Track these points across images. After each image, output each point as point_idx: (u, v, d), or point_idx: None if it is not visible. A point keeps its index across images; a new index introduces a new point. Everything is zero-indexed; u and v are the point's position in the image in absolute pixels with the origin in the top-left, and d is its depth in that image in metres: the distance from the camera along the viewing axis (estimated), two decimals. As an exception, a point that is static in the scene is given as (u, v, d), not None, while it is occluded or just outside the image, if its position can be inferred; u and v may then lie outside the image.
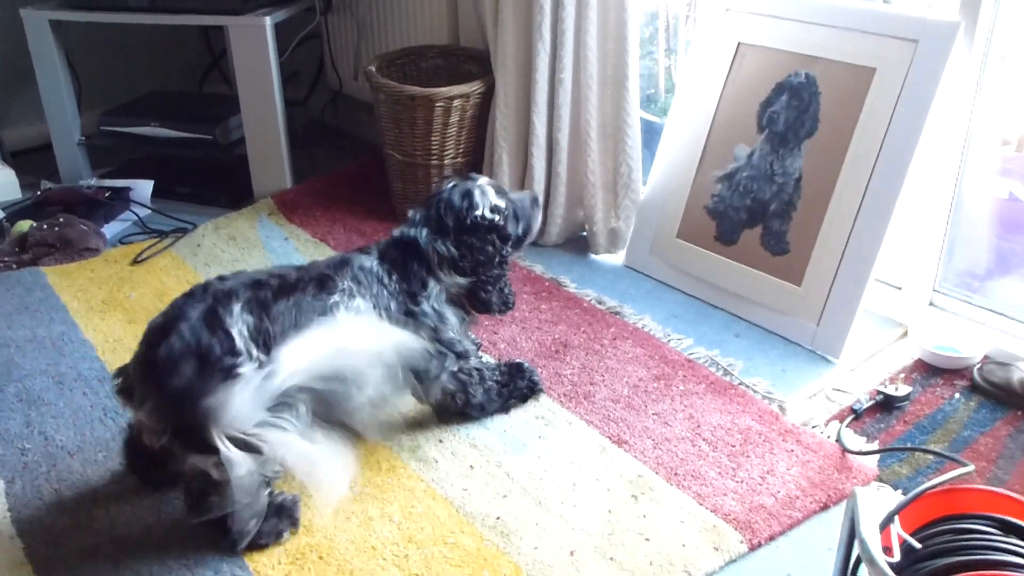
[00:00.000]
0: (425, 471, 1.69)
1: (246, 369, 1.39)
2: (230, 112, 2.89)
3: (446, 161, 2.55)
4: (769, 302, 2.16)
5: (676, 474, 1.68)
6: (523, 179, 2.51)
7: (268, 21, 2.65)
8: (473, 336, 1.91)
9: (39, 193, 2.84)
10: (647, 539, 1.53)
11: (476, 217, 1.74)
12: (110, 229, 2.71)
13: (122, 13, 2.78)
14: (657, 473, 1.68)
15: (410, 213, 1.78)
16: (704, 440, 1.77)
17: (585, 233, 2.56)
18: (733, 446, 1.75)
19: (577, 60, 2.33)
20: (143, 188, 2.87)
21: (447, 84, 2.49)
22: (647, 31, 2.73)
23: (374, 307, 1.62)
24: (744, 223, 2.23)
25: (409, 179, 2.61)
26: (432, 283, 1.71)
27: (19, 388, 1.93)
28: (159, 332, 1.42)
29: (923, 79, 1.95)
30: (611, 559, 1.49)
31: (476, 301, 1.78)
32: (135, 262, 2.49)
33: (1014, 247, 2.25)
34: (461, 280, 1.74)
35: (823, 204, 2.09)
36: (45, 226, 2.54)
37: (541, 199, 2.49)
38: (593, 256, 2.53)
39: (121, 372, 1.50)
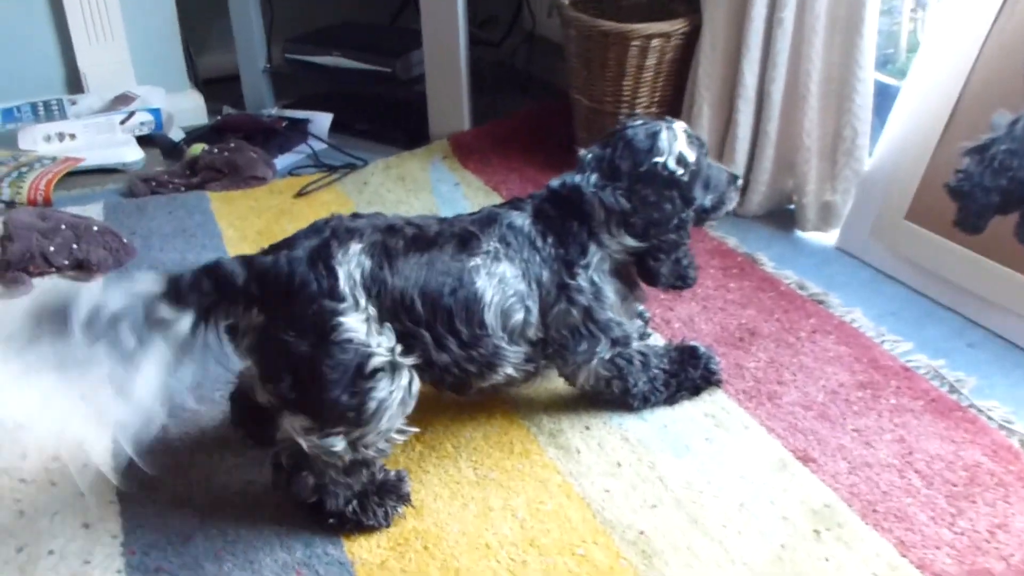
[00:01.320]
0: (563, 461, 1.42)
1: (349, 319, 1.19)
2: (413, 46, 2.70)
3: (638, 110, 2.25)
4: (1018, 308, 1.74)
5: (875, 510, 1.33)
6: (724, 136, 2.17)
7: (458, -49, 2.43)
8: (642, 309, 1.62)
9: (219, 119, 2.78)
10: (828, 589, 1.21)
11: (656, 164, 1.40)
12: (283, 160, 2.60)
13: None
14: (850, 505, 1.34)
15: (580, 153, 1.47)
16: (916, 472, 1.40)
17: (792, 206, 2.19)
18: (955, 485, 1.38)
19: (803, -2, 1.96)
20: (322, 121, 2.75)
21: (647, 22, 2.18)
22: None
23: (523, 275, 1.35)
24: (995, 207, 1.80)
25: (595, 128, 2.33)
26: (593, 248, 1.41)
27: (154, 313, 1.83)
28: (258, 258, 1.25)
29: None
30: (778, 608, 1.18)
31: (644, 270, 1.46)
32: (298, 195, 2.36)
33: None
34: (630, 242, 1.42)
35: (1107, 190, 1.64)
36: (215, 150, 2.46)
37: (744, 161, 2.15)
38: (799, 233, 2.16)
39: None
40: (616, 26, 2.14)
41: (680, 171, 1.42)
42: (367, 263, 1.23)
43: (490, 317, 1.31)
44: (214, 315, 1.20)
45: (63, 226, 2.06)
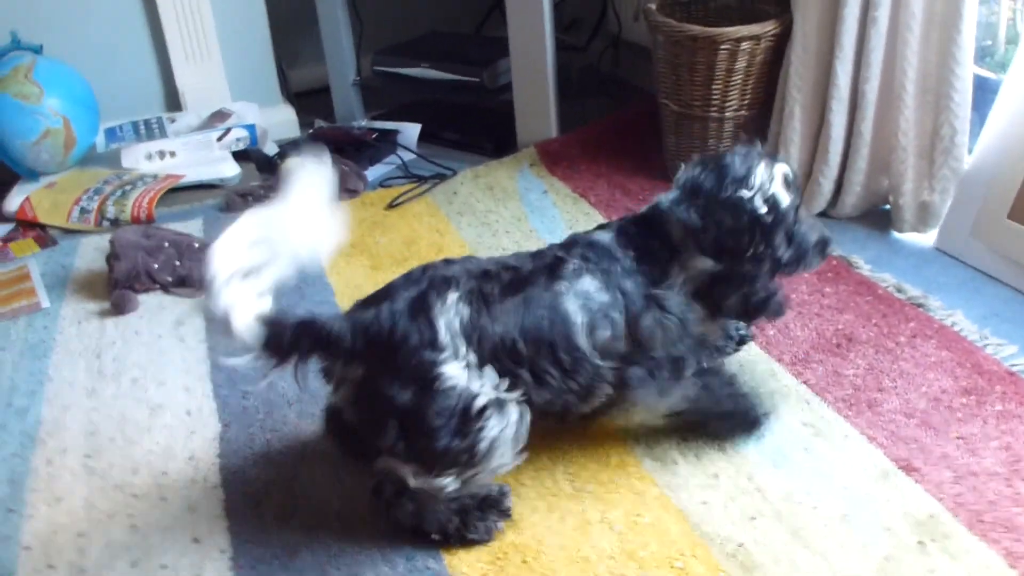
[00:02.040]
0: (660, 473, 1.43)
1: (449, 367, 1.20)
2: (499, 55, 2.73)
3: (727, 114, 2.23)
4: None
5: (982, 521, 1.30)
6: (818, 137, 2.13)
7: (543, -43, 2.44)
8: (741, 328, 1.59)
9: (311, 132, 2.85)
10: (935, 603, 1.19)
11: (737, 195, 1.31)
12: (374, 171, 2.66)
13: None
14: (956, 516, 1.31)
15: (676, 176, 1.41)
16: (1025, 481, 1.37)
17: (888, 206, 2.14)
18: (1066, 494, 1.34)
19: (896, -5, 1.92)
20: (411, 131, 2.80)
21: (737, 25, 2.16)
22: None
23: (606, 287, 1.31)
24: (1105, 205, 1.74)
25: (684, 133, 2.32)
26: (676, 269, 1.35)
27: (256, 327, 1.89)
28: (360, 310, 1.27)
29: None
30: (883, 622, 1.17)
31: (712, 296, 1.38)
32: (390, 207, 2.41)
33: None
34: (707, 264, 1.35)
35: None
36: (309, 165, 2.53)
37: (838, 162, 2.11)
38: (896, 234, 2.11)
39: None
40: (705, 30, 2.12)
41: (764, 211, 1.32)
42: (465, 311, 1.23)
43: (581, 337, 1.28)
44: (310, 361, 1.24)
45: (166, 243, 2.15)
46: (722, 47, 2.12)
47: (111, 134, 2.81)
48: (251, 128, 2.74)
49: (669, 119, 2.36)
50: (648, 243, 1.36)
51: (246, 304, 1.14)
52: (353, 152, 2.68)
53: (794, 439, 1.48)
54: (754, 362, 1.67)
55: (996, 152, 1.93)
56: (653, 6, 2.31)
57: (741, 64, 2.15)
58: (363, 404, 1.25)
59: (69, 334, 1.93)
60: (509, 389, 1.25)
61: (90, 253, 2.26)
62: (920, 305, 1.82)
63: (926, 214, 2.05)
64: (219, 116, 2.82)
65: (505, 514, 1.35)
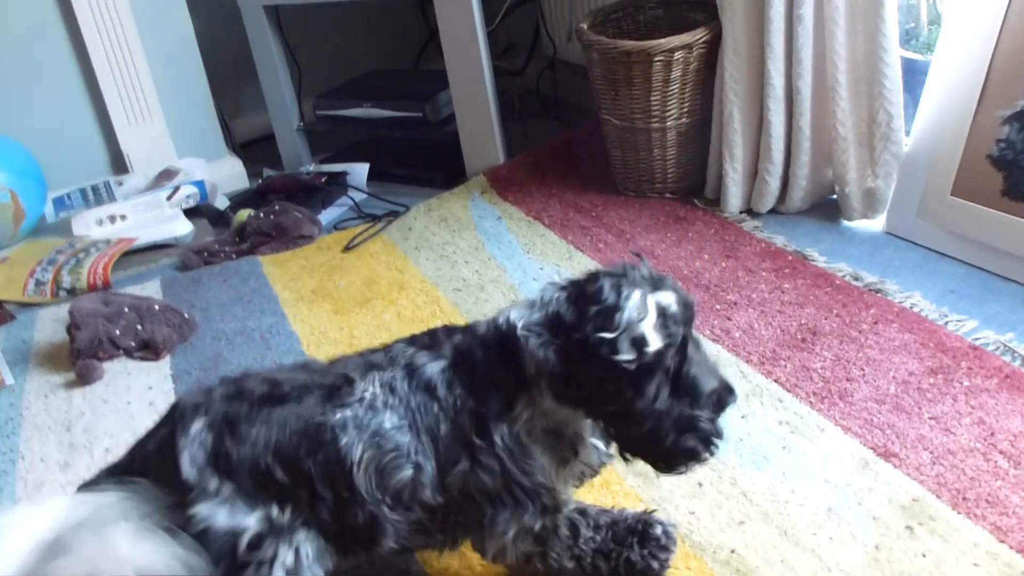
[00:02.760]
0: (644, 489, 1.43)
1: (200, 508, 1.04)
2: (440, 87, 2.75)
3: (668, 123, 2.26)
4: (1080, 272, 1.72)
5: (965, 498, 1.33)
6: (759, 137, 2.17)
7: (473, -12, 2.47)
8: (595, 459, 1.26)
9: (260, 182, 2.85)
10: (928, 586, 1.21)
11: (597, 337, 1.03)
12: (327, 215, 2.66)
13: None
14: (939, 497, 1.34)
15: (544, 286, 1.14)
16: (1001, 453, 1.40)
17: (835, 196, 2.18)
18: (1041, 461, 1.37)
19: (820, -9, 1.97)
20: (359, 172, 2.80)
21: (668, 36, 2.19)
22: (906, -48, 2.30)
23: (409, 426, 1.08)
24: (1043, 173, 1.79)
25: (629, 146, 2.34)
26: (522, 405, 1.10)
27: (226, 386, 1.88)
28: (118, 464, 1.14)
29: None
30: (880, 611, 1.18)
31: (625, 447, 1.11)
32: (346, 249, 2.40)
33: None
34: (565, 412, 1.11)
35: None
36: (261, 215, 2.52)
37: (781, 159, 2.15)
38: (846, 223, 2.15)
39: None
40: (637, 44, 2.16)
41: (630, 357, 1.02)
42: (209, 439, 1.07)
43: (360, 479, 1.08)
44: None
45: (126, 308, 2.12)
46: (656, 59, 2.15)
47: (59, 203, 2.78)
48: (200, 184, 2.73)
49: (612, 134, 2.38)
50: (493, 371, 1.11)
51: None
52: (304, 198, 2.68)
53: (772, 439, 1.50)
54: (723, 367, 1.69)
55: (932, 132, 1.98)
56: (585, 25, 2.34)
57: (676, 74, 2.18)
58: None
59: (36, 409, 1.90)
60: (293, 513, 1.08)
61: (49, 325, 2.23)
62: (878, 291, 1.85)
63: (873, 200, 2.10)
64: (166, 175, 2.80)
65: None
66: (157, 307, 2.13)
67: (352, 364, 1.16)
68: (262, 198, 2.73)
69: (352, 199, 2.71)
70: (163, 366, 1.99)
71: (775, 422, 1.53)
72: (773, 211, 2.22)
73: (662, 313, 1.05)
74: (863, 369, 1.63)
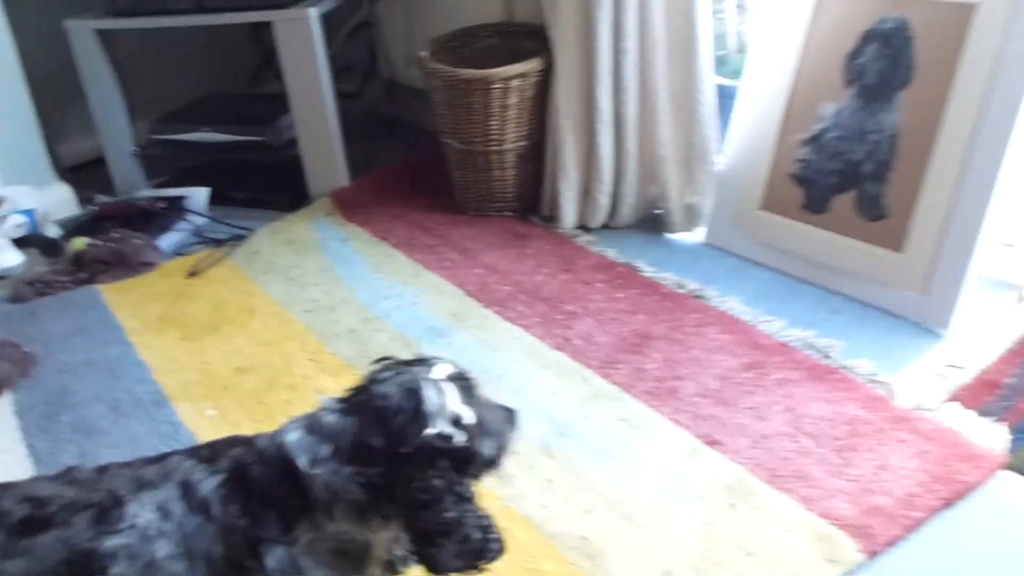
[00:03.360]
0: (499, 487, 1.54)
1: None
2: (280, 111, 2.78)
3: (507, 146, 2.40)
4: (868, 273, 1.97)
5: (778, 476, 1.51)
6: (590, 158, 2.34)
7: (313, 12, 2.52)
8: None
9: (94, 208, 2.79)
10: (750, 553, 1.37)
11: (423, 437, 1.01)
12: (167, 240, 2.63)
13: (166, 17, 2.70)
14: (756, 476, 1.52)
15: (323, 405, 1.08)
16: (806, 435, 1.59)
17: (660, 211, 2.38)
18: (840, 439, 1.57)
19: (641, 25, 2.15)
20: (199, 196, 2.79)
21: (504, 64, 2.33)
22: (714, -13, 2.53)
23: (186, 554, 1.02)
24: (835, 188, 2.03)
25: (469, 168, 2.47)
26: (305, 526, 1.04)
27: (73, 417, 1.85)
28: None
29: (1033, 11, 1.73)
30: (711, 579, 1.34)
31: (422, 558, 1.06)
32: (191, 275, 2.40)
33: None
34: (355, 530, 1.06)
35: (923, 161, 1.88)
36: (99, 242, 2.48)
37: (611, 178, 2.32)
38: (670, 236, 2.35)
39: None
40: (476, 73, 2.29)
41: (458, 435, 1.03)
42: None
43: None
44: None
45: (-41, 344, 2.06)
46: (494, 87, 2.29)
47: None
48: (30, 213, 2.65)
49: (454, 156, 2.50)
50: (272, 490, 1.04)
51: None
52: (142, 224, 2.63)
53: (612, 435, 1.64)
54: (567, 372, 1.83)
55: (742, 153, 2.20)
56: (425, 53, 2.45)
57: (513, 100, 2.32)
58: None
59: None
60: None
61: None
62: (700, 296, 2.04)
63: (693, 215, 2.30)
64: (-9, 204, 2.70)
65: None
66: (-5, 341, 2.07)
67: (123, 479, 1.07)
68: (97, 225, 2.67)
69: (192, 223, 2.70)
70: (4, 404, 1.93)
71: (615, 420, 1.68)
72: (605, 226, 2.39)
73: (456, 383, 1.07)
74: (689, 368, 1.80)
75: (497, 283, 2.18)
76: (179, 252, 2.57)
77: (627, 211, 2.36)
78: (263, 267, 2.40)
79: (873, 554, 1.36)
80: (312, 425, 1.06)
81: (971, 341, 1.83)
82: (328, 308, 2.16)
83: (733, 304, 2.00)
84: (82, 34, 2.75)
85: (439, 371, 1.07)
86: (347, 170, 2.72)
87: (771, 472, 1.52)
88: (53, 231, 2.70)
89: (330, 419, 1.05)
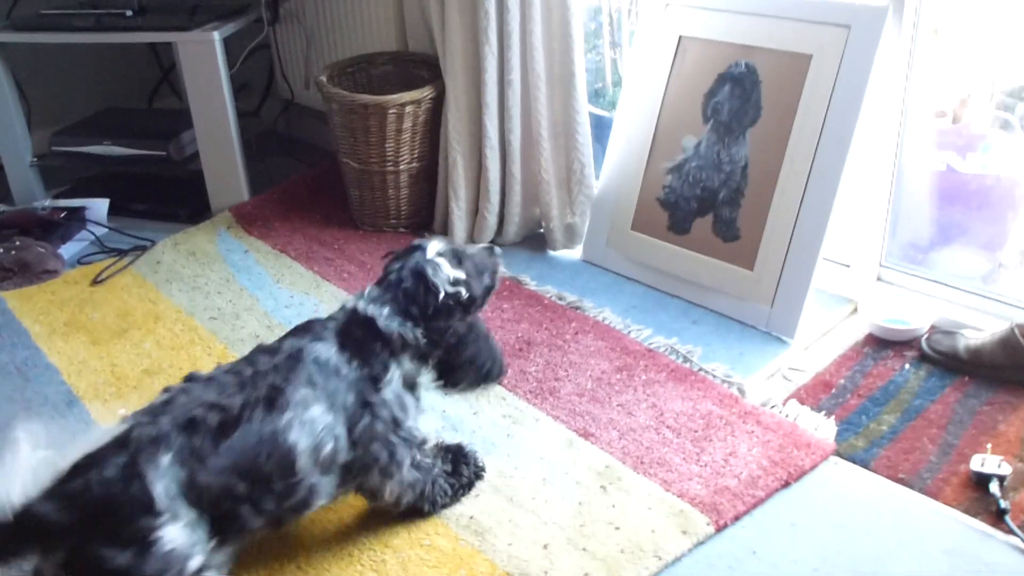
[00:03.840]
0: (398, 475, 1.72)
1: (170, 531, 1.22)
2: (182, 127, 2.89)
3: (401, 167, 2.58)
4: (724, 288, 2.22)
5: (642, 463, 1.74)
6: (478, 180, 2.54)
7: (216, 36, 2.65)
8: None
9: (-8, 217, 2.83)
10: (617, 528, 1.59)
11: (439, 301, 1.51)
12: (67, 249, 2.70)
13: (68, 33, 2.78)
14: (624, 463, 1.74)
15: (368, 289, 1.56)
16: (668, 427, 1.82)
17: (542, 230, 2.60)
18: (696, 431, 1.81)
19: (524, 60, 2.37)
20: (99, 207, 2.86)
21: (398, 90, 2.52)
22: (591, 25, 2.78)
23: (330, 407, 1.40)
24: (695, 212, 2.28)
25: (366, 186, 2.63)
26: (394, 366, 1.49)
27: (-14, 417, 1.94)
28: (67, 484, 1.21)
29: (857, 62, 2.01)
30: (584, 550, 1.54)
31: (451, 381, 1.59)
32: (95, 282, 2.49)
33: (953, 218, 2.33)
34: (424, 372, 1.56)
35: (770, 189, 2.15)
36: (1, 250, 2.53)
37: (497, 199, 2.53)
38: (551, 252, 2.57)
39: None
40: (373, 98, 2.46)
41: (460, 290, 1.52)
42: (181, 474, 1.25)
43: (303, 461, 1.36)
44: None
45: None
46: (390, 111, 2.47)
47: None
48: (-74, 222, 2.68)
49: (351, 175, 2.66)
50: (370, 347, 1.47)
51: None
52: (41, 233, 2.70)
53: (497, 429, 1.84)
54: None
55: (616, 177, 2.44)
56: (324, 78, 2.61)
57: (407, 124, 2.51)
58: (76, 571, 1.20)
59: None
60: (217, 545, 1.29)
61: None
62: (577, 308, 2.26)
63: (572, 234, 2.52)
64: None
65: None
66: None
67: (271, 366, 1.40)
68: (-5, 234, 2.72)
69: (93, 233, 2.77)
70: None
71: (500, 415, 1.88)
72: (492, 242, 2.60)
73: (450, 256, 1.55)
74: (567, 371, 2.02)
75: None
76: (81, 261, 2.64)
77: (513, 229, 2.57)
78: (167, 276, 2.50)
79: (721, 527, 1.59)
80: (370, 297, 1.52)
81: (811, 348, 2.11)
82: (232, 315, 2.29)
83: (607, 314, 2.23)
84: (-20, 46, 2.79)
85: (432, 249, 1.55)
86: (247, 185, 2.84)
87: (637, 459, 1.74)
88: (-51, 240, 2.73)
89: (377, 294, 1.52)
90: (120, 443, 1.26)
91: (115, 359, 2.13)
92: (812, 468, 1.72)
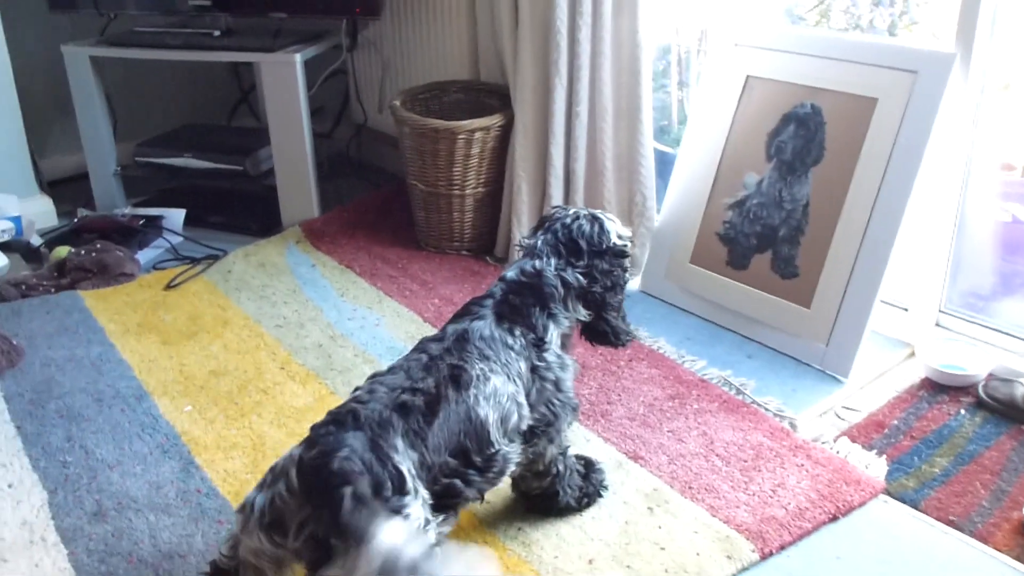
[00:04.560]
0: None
1: (414, 509, 1.27)
2: (259, 144, 3.01)
3: (467, 191, 2.65)
4: (780, 324, 2.24)
5: (690, 488, 1.76)
6: (542, 207, 2.60)
7: (298, 58, 2.77)
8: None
9: (75, 220, 2.96)
10: (662, 548, 1.61)
11: (610, 242, 1.63)
12: (144, 256, 2.82)
13: (159, 50, 2.92)
14: (672, 487, 1.76)
15: (525, 242, 1.66)
16: (717, 456, 1.84)
17: (602, 259, 2.64)
18: (745, 461, 1.82)
19: (592, 94, 2.43)
20: (175, 216, 2.98)
21: (469, 117, 2.60)
22: (660, 65, 2.83)
23: (508, 378, 1.47)
24: (755, 248, 2.31)
25: (432, 208, 2.71)
26: (552, 326, 1.56)
27: (60, 405, 2.03)
28: (317, 460, 1.25)
29: (923, 108, 2.04)
30: (628, 567, 1.57)
31: (597, 334, 1.66)
32: (168, 287, 2.59)
33: (1016, 268, 2.32)
34: (583, 314, 1.62)
35: (830, 229, 2.17)
36: (83, 252, 2.66)
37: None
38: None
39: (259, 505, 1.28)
40: (444, 124, 2.55)
41: (627, 245, 1.66)
42: (414, 455, 1.32)
43: (494, 433, 1.42)
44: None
45: (-48, 336, 2.22)
46: (459, 137, 2.54)
47: None
48: (17, 220, 2.82)
49: (418, 197, 2.74)
50: (529, 312, 1.54)
51: None
52: (120, 238, 2.82)
53: (550, 446, 1.87)
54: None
55: (677, 211, 2.48)
56: (398, 103, 2.70)
57: (476, 150, 2.59)
58: (323, 544, 1.22)
59: None
60: (442, 523, 1.36)
61: None
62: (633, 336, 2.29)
63: (631, 265, 2.56)
64: (-23, 211, 2.86)
65: None
66: (-18, 335, 2.23)
67: (443, 352, 1.46)
68: (77, 236, 2.85)
69: (169, 241, 2.89)
70: (-3, 387, 2.11)
71: (552, 433, 1.91)
72: (551, 269, 2.64)
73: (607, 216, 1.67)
74: (620, 395, 2.05)
75: (452, 312, 2.39)
76: (156, 266, 2.75)
77: (573, 257, 2.62)
78: (236, 285, 2.60)
79: (767, 555, 1.61)
80: (531, 248, 1.62)
81: (866, 388, 2.11)
82: (297, 324, 2.37)
83: (662, 344, 2.26)
84: (77, 59, 2.95)
85: (599, 211, 1.68)
86: (318, 202, 2.94)
87: (685, 484, 1.76)
88: (35, 240, 2.87)
89: (540, 242, 1.62)
90: (343, 422, 1.31)
91: (184, 359, 2.21)
92: (861, 504, 1.73)
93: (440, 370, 1.42)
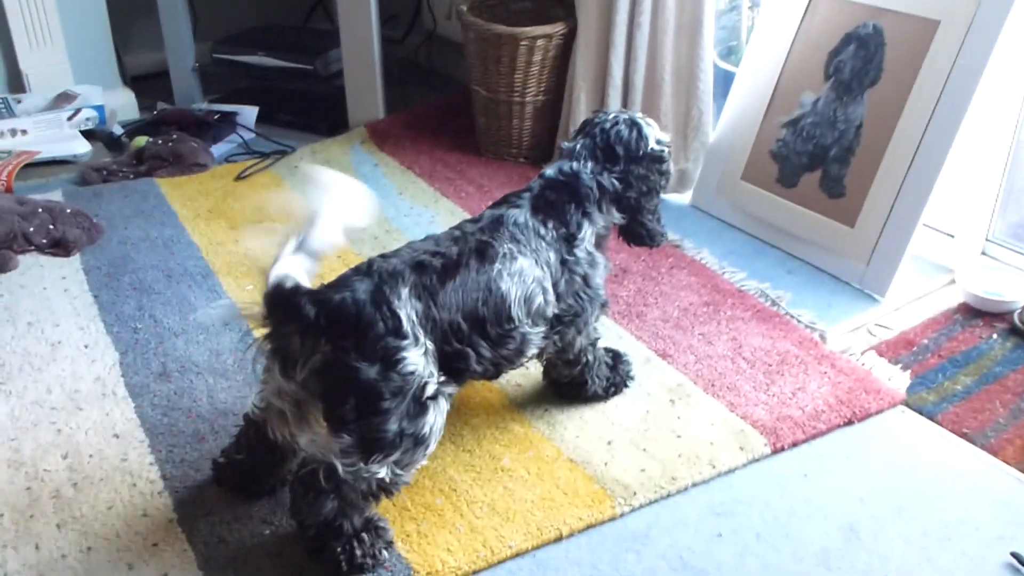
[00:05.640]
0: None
1: (412, 354, 1.35)
2: (331, 46, 3.10)
3: (528, 98, 2.71)
4: (823, 242, 2.27)
5: (713, 385, 1.83)
6: (598, 118, 2.64)
7: (371, -38, 2.83)
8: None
9: (155, 113, 3.11)
10: (679, 436, 1.70)
11: (647, 147, 1.67)
12: (217, 148, 2.95)
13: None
14: (696, 383, 1.84)
15: (565, 145, 1.70)
16: (743, 359, 1.91)
17: (655, 172, 2.68)
18: (770, 365, 1.89)
19: (655, 5, 2.45)
20: (248, 113, 3.11)
21: (533, 25, 2.64)
22: (732, -17, 2.82)
23: (536, 263, 1.53)
24: (805, 167, 2.33)
25: (492, 114, 2.78)
26: (586, 224, 1.62)
27: (133, 279, 2.19)
28: (325, 295, 1.35)
29: (985, 33, 2.02)
30: (644, 450, 1.66)
31: (633, 236, 1.72)
32: (238, 178, 2.72)
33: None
34: (617, 217, 1.68)
35: (880, 151, 2.18)
36: (160, 141, 2.80)
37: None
38: (662, 195, 2.65)
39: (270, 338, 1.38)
40: (507, 29, 2.60)
41: (665, 151, 1.70)
42: (419, 305, 1.38)
43: (516, 310, 1.49)
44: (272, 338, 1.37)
45: (39, 209, 2.38)
46: (522, 43, 2.60)
47: (-42, 114, 2.95)
48: (100, 109, 2.97)
49: (479, 103, 2.81)
50: (564, 208, 1.60)
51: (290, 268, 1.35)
52: (196, 131, 2.95)
53: (583, 340, 1.96)
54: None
55: (732, 127, 2.50)
56: (465, 7, 2.75)
57: (537, 57, 2.64)
58: (328, 376, 1.33)
59: (-45, 291, 2.15)
60: (445, 382, 1.42)
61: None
62: (677, 246, 2.36)
63: (684, 179, 2.61)
64: (65, 98, 3.02)
65: (389, 545, 1.45)
66: (68, 211, 2.40)
67: (477, 230, 1.53)
68: (156, 128, 2.99)
69: (241, 137, 3.01)
70: (74, 262, 2.27)
71: (586, 328, 2.00)
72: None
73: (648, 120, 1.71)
74: (656, 299, 2.12)
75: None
76: (228, 159, 2.89)
77: (626, 169, 2.67)
78: (302, 180, 2.72)
79: (778, 449, 1.69)
80: (570, 152, 1.66)
81: (901, 309, 2.14)
82: (356, 218, 2.48)
83: (704, 255, 2.32)
84: (162, -44, 3.06)
85: (640, 117, 1.71)
86: (383, 105, 3.03)
87: (708, 382, 1.84)
88: (116, 130, 3.02)
89: (580, 145, 1.67)
90: (365, 272, 1.40)
91: (248, 244, 2.35)
92: (877, 412, 1.78)
93: (468, 242, 1.50)
